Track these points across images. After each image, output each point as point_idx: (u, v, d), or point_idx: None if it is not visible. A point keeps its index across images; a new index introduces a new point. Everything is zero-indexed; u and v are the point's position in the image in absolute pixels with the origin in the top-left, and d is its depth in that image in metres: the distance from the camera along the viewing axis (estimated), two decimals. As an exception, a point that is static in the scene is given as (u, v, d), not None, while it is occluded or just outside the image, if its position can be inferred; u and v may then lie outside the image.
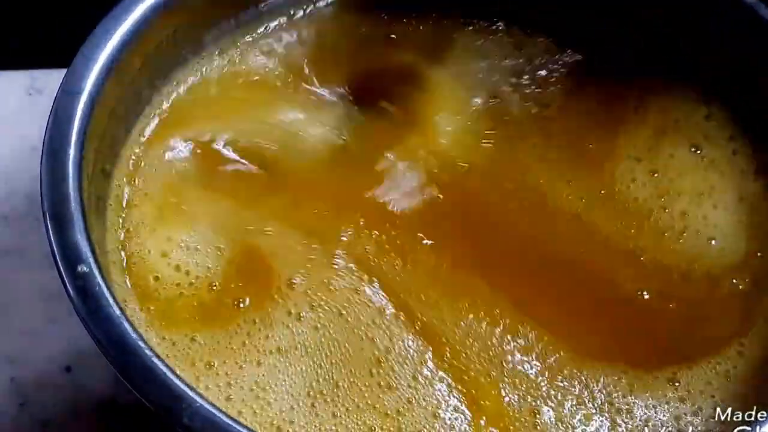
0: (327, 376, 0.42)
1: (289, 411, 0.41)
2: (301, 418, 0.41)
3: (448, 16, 0.55)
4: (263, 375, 0.42)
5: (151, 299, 0.44)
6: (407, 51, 0.53)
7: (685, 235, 0.48)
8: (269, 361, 0.42)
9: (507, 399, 0.42)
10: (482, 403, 0.42)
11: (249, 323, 0.43)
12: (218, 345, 0.43)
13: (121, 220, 0.46)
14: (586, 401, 0.43)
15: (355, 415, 0.41)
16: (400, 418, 0.41)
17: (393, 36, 0.54)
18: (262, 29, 0.53)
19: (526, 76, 0.53)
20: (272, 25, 0.54)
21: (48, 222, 0.39)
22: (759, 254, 0.48)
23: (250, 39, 0.53)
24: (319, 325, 0.43)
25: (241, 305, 0.44)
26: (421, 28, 0.54)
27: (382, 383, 0.42)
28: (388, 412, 0.42)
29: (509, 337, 0.44)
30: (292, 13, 0.54)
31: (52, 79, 0.62)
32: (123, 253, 0.45)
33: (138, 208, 0.46)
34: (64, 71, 0.43)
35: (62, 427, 0.52)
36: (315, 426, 0.41)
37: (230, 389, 0.42)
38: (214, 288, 0.44)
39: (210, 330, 0.43)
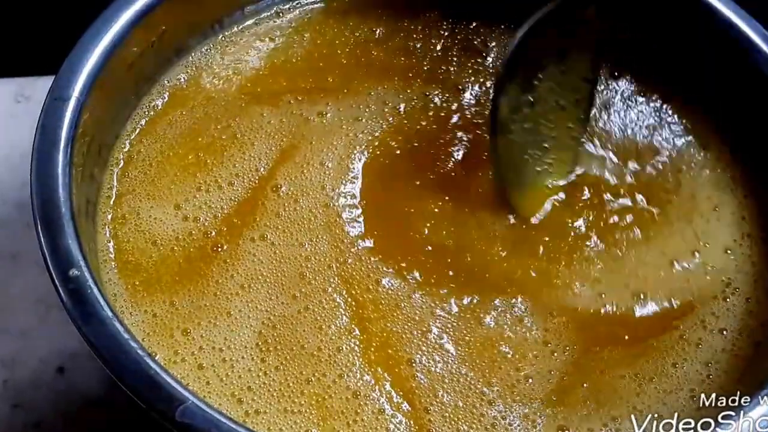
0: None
1: (247, 373, 0.42)
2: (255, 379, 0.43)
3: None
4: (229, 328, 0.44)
5: (139, 271, 0.45)
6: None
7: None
8: (235, 306, 0.44)
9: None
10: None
11: (220, 266, 0.45)
12: (192, 305, 0.44)
13: (110, 217, 0.46)
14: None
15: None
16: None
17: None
18: (246, 32, 0.54)
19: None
20: (255, 25, 0.55)
21: (39, 227, 0.40)
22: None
23: (234, 40, 0.54)
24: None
25: (220, 250, 0.46)
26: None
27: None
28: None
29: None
30: (275, 13, 0.55)
31: (39, 86, 0.62)
32: (109, 228, 0.46)
33: (128, 204, 0.47)
34: (51, 78, 0.44)
35: (55, 427, 0.52)
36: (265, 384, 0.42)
37: (202, 354, 0.43)
38: (208, 237, 0.46)
39: (187, 287, 0.44)
